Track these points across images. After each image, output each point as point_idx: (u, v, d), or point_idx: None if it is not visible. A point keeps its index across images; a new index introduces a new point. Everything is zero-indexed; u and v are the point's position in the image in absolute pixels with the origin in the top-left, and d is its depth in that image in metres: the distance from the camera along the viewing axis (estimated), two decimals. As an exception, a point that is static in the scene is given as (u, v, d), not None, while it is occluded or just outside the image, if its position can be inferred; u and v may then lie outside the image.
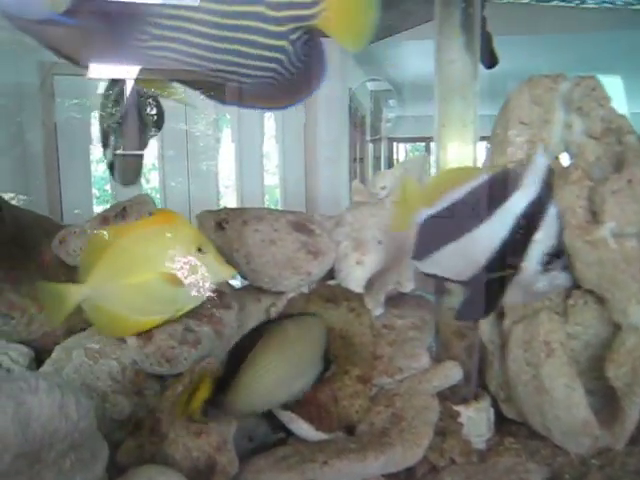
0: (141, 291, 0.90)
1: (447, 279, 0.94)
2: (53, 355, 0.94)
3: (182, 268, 0.90)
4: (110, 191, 3.18)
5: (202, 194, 2.91)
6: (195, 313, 0.96)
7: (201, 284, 0.91)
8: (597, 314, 1.08)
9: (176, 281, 0.90)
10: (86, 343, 0.94)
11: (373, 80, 4.06)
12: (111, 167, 1.66)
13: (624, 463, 1.04)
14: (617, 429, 1.04)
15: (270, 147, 3.30)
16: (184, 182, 2.89)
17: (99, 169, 3.11)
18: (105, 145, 1.63)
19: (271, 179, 3.31)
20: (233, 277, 0.94)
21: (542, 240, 0.83)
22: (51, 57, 0.71)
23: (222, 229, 1.04)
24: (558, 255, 0.85)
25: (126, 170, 1.67)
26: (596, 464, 1.04)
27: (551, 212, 0.83)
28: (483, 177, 0.87)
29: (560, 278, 0.86)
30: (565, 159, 1.16)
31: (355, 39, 0.81)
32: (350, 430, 1.00)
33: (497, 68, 1.50)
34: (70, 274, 1.01)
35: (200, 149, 2.96)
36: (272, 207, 3.29)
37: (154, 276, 0.90)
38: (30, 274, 1.00)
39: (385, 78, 3.87)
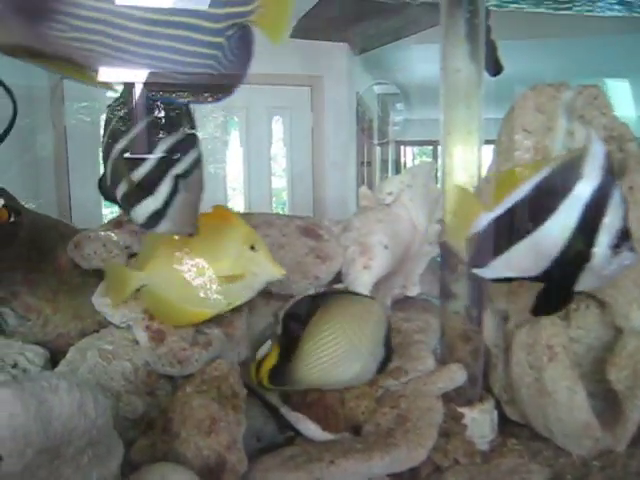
0: (192, 282, 0.95)
1: (517, 279, 0.96)
2: (68, 356, 0.97)
3: (235, 265, 0.93)
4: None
5: (210, 196, 2.93)
6: (206, 316, 0.99)
7: (252, 281, 0.94)
8: (599, 318, 1.10)
9: (228, 277, 0.94)
10: (99, 344, 0.96)
11: (380, 84, 4.08)
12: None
13: (625, 465, 1.05)
14: (618, 431, 1.06)
15: (277, 150, 3.32)
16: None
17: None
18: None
19: (278, 182, 3.34)
20: (282, 276, 0.96)
21: (610, 224, 0.85)
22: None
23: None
24: (626, 236, 0.87)
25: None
26: (597, 465, 1.06)
27: (616, 195, 0.85)
28: (543, 172, 0.89)
29: (629, 258, 0.87)
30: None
31: (282, 33, 0.82)
32: (356, 430, 1.02)
33: (505, 72, 1.52)
34: (85, 277, 1.05)
35: (208, 152, 2.98)
36: (279, 209, 3.31)
37: (207, 271, 0.95)
38: (46, 277, 1.03)
39: (392, 81, 3.89)
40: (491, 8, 1.32)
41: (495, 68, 1.35)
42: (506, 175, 1.03)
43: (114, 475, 0.70)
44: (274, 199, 3.36)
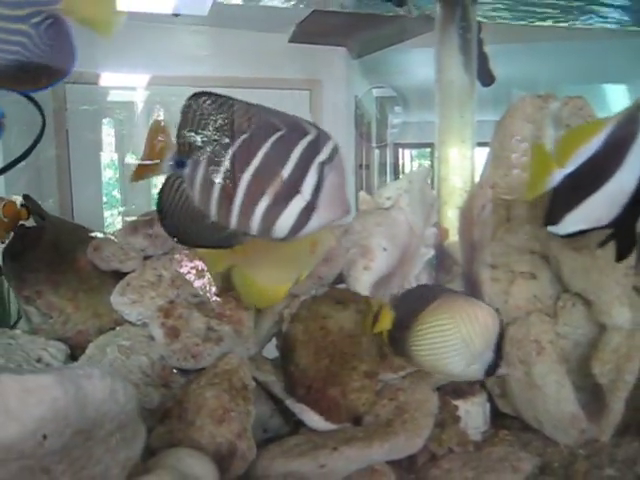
0: (280, 256, 0.95)
1: (589, 230, 0.99)
2: (87, 351, 1.03)
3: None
4: (119, 196, 3.26)
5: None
6: (216, 314, 1.06)
7: (320, 250, 0.96)
8: (584, 315, 1.17)
9: (313, 248, 0.95)
10: (117, 341, 1.03)
11: (378, 87, 4.13)
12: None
13: (610, 453, 1.12)
14: (603, 422, 1.13)
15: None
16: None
17: (106, 175, 3.19)
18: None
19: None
20: (333, 243, 1.01)
21: None
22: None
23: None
24: None
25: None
26: (583, 454, 1.12)
27: None
28: (609, 127, 0.94)
29: None
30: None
31: (105, 25, 0.78)
32: (357, 421, 1.09)
33: (501, 76, 1.58)
34: (102, 278, 1.11)
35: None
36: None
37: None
38: (67, 278, 1.09)
39: (390, 85, 3.94)
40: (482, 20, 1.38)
41: (487, 79, 1.42)
42: (575, 132, 1.08)
43: (138, 457, 0.77)
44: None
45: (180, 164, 0.80)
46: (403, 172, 6.18)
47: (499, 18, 1.34)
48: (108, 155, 3.18)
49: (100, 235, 1.12)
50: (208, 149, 0.79)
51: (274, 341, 1.20)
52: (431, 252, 1.22)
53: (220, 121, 0.79)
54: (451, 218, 1.31)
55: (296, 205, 0.76)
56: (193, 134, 0.79)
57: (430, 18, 1.34)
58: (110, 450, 0.71)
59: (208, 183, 0.78)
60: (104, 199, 3.23)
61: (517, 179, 1.23)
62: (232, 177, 0.77)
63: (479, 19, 1.27)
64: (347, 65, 3.47)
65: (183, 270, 1.05)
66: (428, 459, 1.09)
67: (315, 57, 3.21)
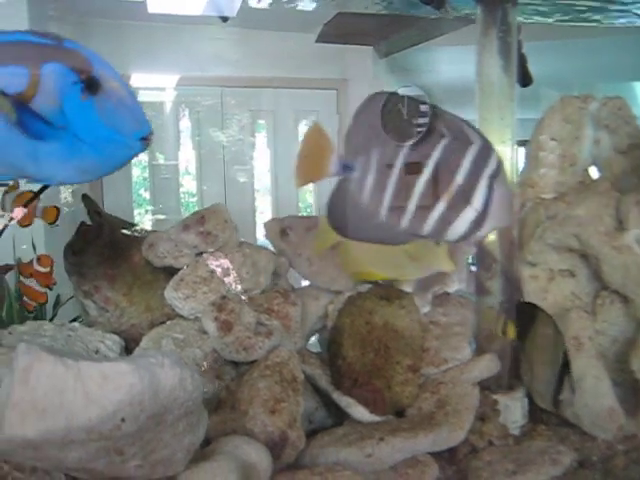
0: (383, 251, 1.04)
1: None
2: (142, 344, 1.08)
3: (418, 249, 1.02)
4: (144, 196, 3.31)
5: (237, 198, 3.02)
6: (265, 309, 1.10)
7: (427, 266, 1.07)
8: (622, 312, 1.18)
9: (413, 257, 1.05)
10: (171, 334, 1.07)
11: (405, 86, 4.14)
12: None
13: (648, 449, 1.14)
14: (641, 417, 1.15)
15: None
16: (220, 186, 3.00)
17: (134, 174, 3.24)
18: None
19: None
20: (451, 271, 1.11)
21: None
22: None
23: (286, 235, 1.17)
24: None
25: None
26: (621, 449, 1.14)
27: None
28: None
29: None
30: (594, 172, 1.26)
31: None
32: (400, 414, 1.12)
33: (537, 74, 1.59)
34: (155, 273, 1.15)
35: (235, 154, 3.07)
36: (305, 212, 3.38)
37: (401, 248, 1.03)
38: (122, 273, 1.14)
39: (417, 84, 3.95)
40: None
41: (525, 80, 1.44)
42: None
43: (200, 442, 0.81)
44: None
45: (347, 167, 0.83)
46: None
47: (540, 17, 1.36)
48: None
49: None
50: (377, 156, 0.81)
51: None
52: (473, 250, 1.25)
53: (394, 124, 0.82)
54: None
55: (468, 215, 0.80)
56: (364, 137, 0.81)
57: (466, 19, 1.36)
58: (177, 435, 0.75)
59: (379, 187, 0.81)
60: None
61: (554, 178, 1.26)
62: (404, 182, 0.80)
63: (519, 20, 1.29)
64: (374, 64, 3.49)
65: (234, 267, 1.09)
66: (469, 451, 1.12)
67: (342, 56, 3.23)
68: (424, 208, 0.81)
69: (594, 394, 1.13)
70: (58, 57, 0.75)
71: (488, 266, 1.21)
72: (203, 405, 0.80)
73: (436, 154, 0.79)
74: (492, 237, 1.29)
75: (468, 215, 0.80)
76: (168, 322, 1.13)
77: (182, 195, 3.12)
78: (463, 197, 0.79)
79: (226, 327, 1.03)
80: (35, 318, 1.39)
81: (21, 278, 1.15)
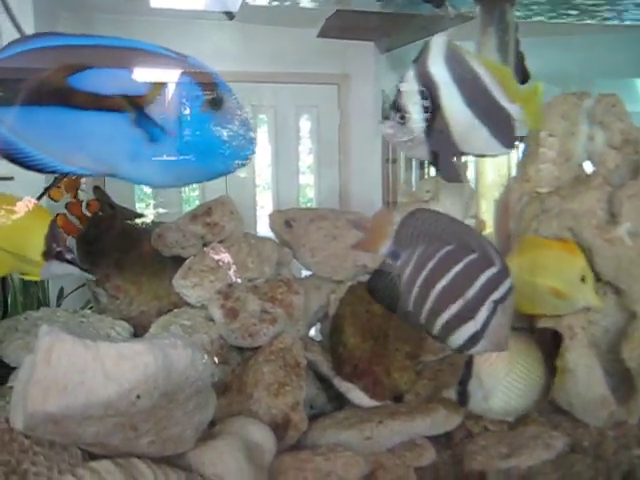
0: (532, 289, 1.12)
1: None
2: (151, 330, 1.11)
3: (565, 287, 1.11)
4: (149, 191, 3.34)
5: (238, 192, 3.04)
6: (269, 297, 1.14)
7: (573, 303, 1.12)
8: (614, 303, 1.22)
9: (560, 295, 1.12)
10: (179, 321, 1.11)
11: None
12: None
13: (638, 435, 1.17)
14: (631, 405, 1.17)
15: (303, 147, 3.41)
16: (220, 180, 3.03)
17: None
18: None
19: (302, 178, 3.42)
20: (599, 309, 1.17)
21: None
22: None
23: (290, 227, 1.21)
24: None
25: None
26: (612, 435, 1.18)
27: None
28: None
29: None
30: (588, 167, 1.30)
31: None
32: (398, 399, 1.16)
33: (534, 70, 1.62)
34: (163, 263, 1.19)
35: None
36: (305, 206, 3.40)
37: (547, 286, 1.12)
38: (132, 262, 1.18)
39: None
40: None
41: (523, 77, 1.47)
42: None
43: (208, 421, 0.85)
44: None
45: (394, 254, 0.94)
46: (429, 166, 6.17)
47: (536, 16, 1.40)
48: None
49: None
50: (417, 254, 0.91)
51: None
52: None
53: (429, 235, 0.91)
54: (488, 210, 1.37)
55: (469, 328, 0.87)
56: (410, 240, 0.92)
57: (466, 17, 1.40)
58: (187, 413, 0.79)
59: (410, 280, 0.91)
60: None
61: (550, 173, 1.29)
62: (427, 283, 0.89)
63: (517, 18, 1.33)
64: (375, 59, 3.50)
65: (240, 256, 1.13)
66: (465, 436, 1.15)
67: (343, 52, 3.25)
68: (435, 313, 0.89)
69: (586, 383, 1.16)
70: (185, 70, 0.82)
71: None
72: (211, 386, 0.84)
73: (458, 268, 0.88)
74: (489, 230, 1.34)
75: (469, 328, 0.87)
76: (176, 310, 1.17)
77: (183, 189, 3.15)
78: (468, 311, 0.87)
79: (232, 314, 1.07)
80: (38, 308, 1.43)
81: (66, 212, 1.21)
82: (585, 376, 1.17)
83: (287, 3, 1.93)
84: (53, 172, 0.85)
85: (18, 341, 1.01)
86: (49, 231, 0.90)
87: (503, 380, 1.05)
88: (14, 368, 1.01)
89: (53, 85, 0.79)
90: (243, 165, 0.86)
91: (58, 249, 0.91)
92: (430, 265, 0.89)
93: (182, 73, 0.82)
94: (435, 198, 1.28)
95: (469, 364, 1.07)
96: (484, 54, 1.26)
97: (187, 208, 2.61)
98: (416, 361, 1.16)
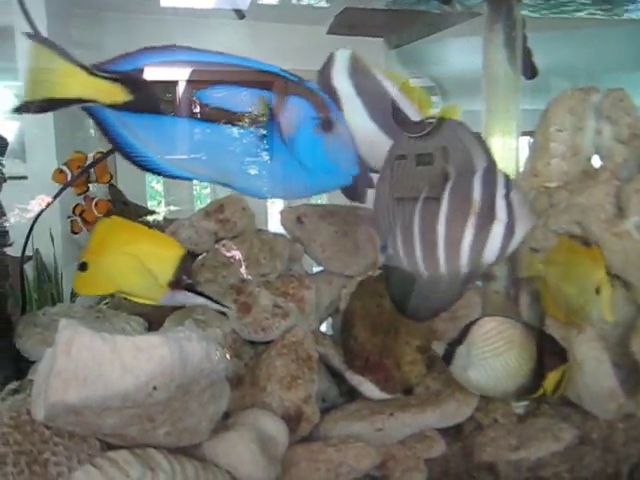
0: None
1: None
2: (165, 325, 1.14)
3: (581, 296, 1.13)
4: (160, 189, 3.36)
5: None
6: (281, 292, 1.15)
7: (587, 314, 1.13)
8: (623, 297, 1.23)
9: (572, 304, 1.15)
10: (192, 315, 1.13)
11: (416, 77, 4.17)
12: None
13: (647, 428, 1.19)
14: (640, 397, 1.19)
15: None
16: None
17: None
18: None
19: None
20: (613, 322, 1.18)
21: None
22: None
23: (301, 223, 1.23)
24: None
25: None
26: (621, 427, 1.19)
27: None
28: None
29: None
30: (596, 161, 1.31)
31: None
32: (409, 392, 1.18)
33: (541, 64, 1.63)
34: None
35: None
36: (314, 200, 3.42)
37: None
38: (146, 259, 1.20)
39: (428, 75, 3.97)
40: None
41: (531, 72, 1.48)
42: None
43: (222, 413, 0.87)
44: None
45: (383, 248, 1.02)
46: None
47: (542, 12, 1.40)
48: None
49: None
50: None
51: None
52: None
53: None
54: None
55: (497, 230, 0.89)
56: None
57: (474, 13, 1.41)
58: (202, 405, 0.81)
59: (409, 245, 0.97)
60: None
61: (559, 168, 1.31)
62: (428, 223, 0.94)
63: (524, 15, 1.34)
64: (385, 56, 3.50)
65: (252, 252, 1.15)
66: (474, 428, 1.17)
67: (353, 48, 3.24)
68: (454, 241, 0.91)
69: (595, 375, 1.17)
70: (302, 93, 0.88)
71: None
72: (226, 378, 0.86)
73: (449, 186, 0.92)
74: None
75: (497, 229, 0.88)
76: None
77: (194, 187, 3.17)
78: (488, 214, 0.88)
79: (245, 309, 1.09)
80: (53, 304, 1.45)
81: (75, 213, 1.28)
82: (594, 369, 1.18)
83: (294, 2, 1.94)
84: (170, 177, 0.95)
85: (37, 336, 1.04)
86: (180, 263, 0.96)
87: (490, 359, 1.05)
88: (33, 362, 1.04)
89: (183, 98, 0.86)
90: (349, 181, 0.93)
91: (189, 281, 0.97)
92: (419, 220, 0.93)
93: (299, 94, 0.88)
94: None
95: (466, 330, 1.07)
96: (491, 51, 1.27)
97: (199, 205, 2.64)
98: (426, 355, 1.18)
